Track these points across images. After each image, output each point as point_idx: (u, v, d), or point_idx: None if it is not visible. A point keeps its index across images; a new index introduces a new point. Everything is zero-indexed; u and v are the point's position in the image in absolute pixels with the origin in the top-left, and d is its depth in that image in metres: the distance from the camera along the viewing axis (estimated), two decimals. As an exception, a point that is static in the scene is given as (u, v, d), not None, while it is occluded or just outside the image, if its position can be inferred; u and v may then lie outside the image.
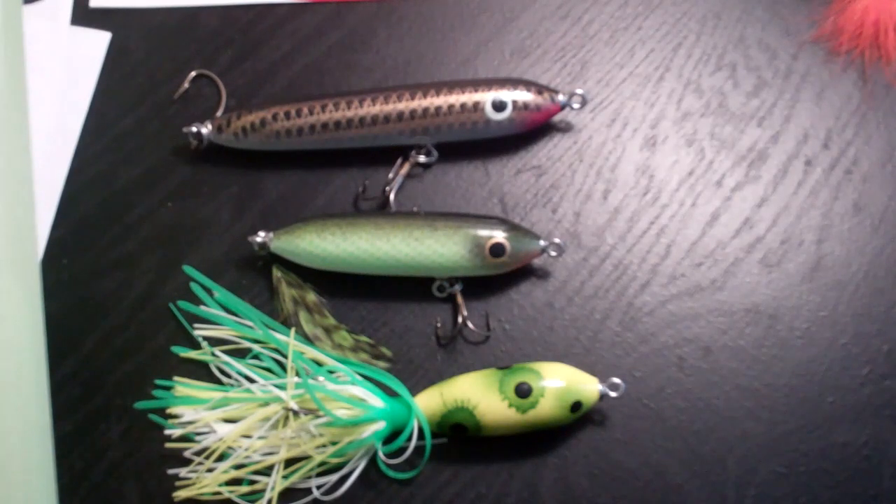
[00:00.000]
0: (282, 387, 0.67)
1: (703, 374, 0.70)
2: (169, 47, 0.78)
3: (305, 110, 0.72)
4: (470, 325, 0.70)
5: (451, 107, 0.71)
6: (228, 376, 0.69)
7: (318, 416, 0.64)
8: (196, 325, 0.70)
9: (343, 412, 0.65)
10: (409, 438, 0.65)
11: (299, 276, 0.71)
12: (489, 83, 0.72)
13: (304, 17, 0.79)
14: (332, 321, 0.70)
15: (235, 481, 0.66)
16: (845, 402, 0.69)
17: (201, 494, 0.66)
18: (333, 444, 0.65)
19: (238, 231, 0.73)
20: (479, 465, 0.68)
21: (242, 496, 0.66)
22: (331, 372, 0.67)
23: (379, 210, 0.73)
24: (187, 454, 0.67)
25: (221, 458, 0.67)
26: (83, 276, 0.72)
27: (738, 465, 0.68)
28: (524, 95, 0.71)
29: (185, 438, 0.68)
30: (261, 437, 0.66)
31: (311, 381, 0.66)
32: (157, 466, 0.68)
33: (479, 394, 0.65)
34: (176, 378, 0.70)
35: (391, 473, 0.67)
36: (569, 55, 0.78)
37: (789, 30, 0.78)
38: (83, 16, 0.78)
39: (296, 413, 0.65)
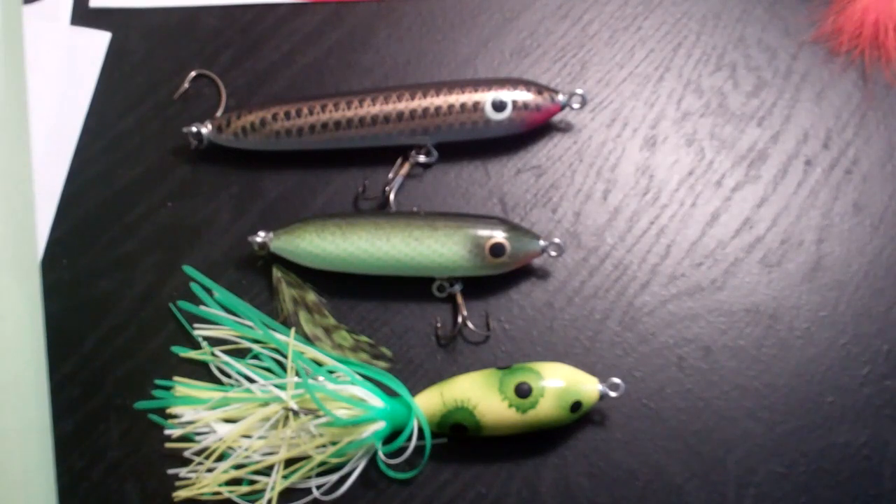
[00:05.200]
0: (282, 387, 0.67)
1: (703, 374, 0.70)
2: (169, 47, 0.78)
3: (305, 110, 0.72)
4: (470, 325, 0.70)
5: (451, 107, 0.71)
6: (228, 376, 0.69)
7: (318, 416, 0.64)
8: (196, 325, 0.70)
9: (343, 412, 0.65)
10: (409, 438, 0.65)
11: (299, 276, 0.71)
12: (489, 83, 0.72)
13: (304, 17, 0.79)
14: (332, 321, 0.70)
15: (235, 481, 0.66)
16: (845, 402, 0.69)
17: (201, 494, 0.66)
18: (333, 444, 0.65)
19: (238, 231, 0.73)
20: (479, 465, 0.68)
21: (242, 496, 0.66)
22: (331, 372, 0.67)
23: (379, 210, 0.73)
24: (187, 454, 0.67)
25: (221, 458, 0.67)
26: (83, 276, 0.72)
27: (738, 465, 0.68)
28: (524, 95, 0.71)
29: (185, 438, 0.68)
30: (261, 437, 0.66)
31: (311, 381, 0.66)
32: (157, 466, 0.68)
33: (479, 394, 0.65)
34: (176, 378, 0.70)
35: (391, 473, 0.67)
36: (569, 55, 0.78)
37: (789, 30, 0.78)
38: (83, 16, 0.78)
39: (296, 413, 0.65)
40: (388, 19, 0.79)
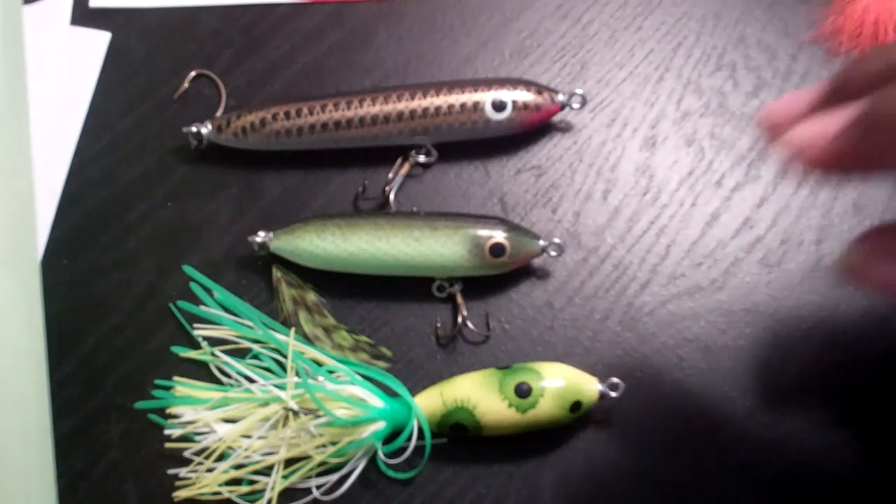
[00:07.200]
0: (282, 387, 0.67)
1: (703, 374, 0.70)
2: (169, 47, 0.78)
3: (305, 110, 0.72)
4: (470, 325, 0.70)
5: (451, 107, 0.71)
6: (228, 376, 0.69)
7: (317, 416, 0.64)
8: (196, 325, 0.70)
9: (343, 412, 0.65)
10: (409, 438, 0.65)
11: (299, 276, 0.71)
12: (489, 83, 0.72)
13: (304, 17, 0.79)
14: (332, 321, 0.70)
15: (235, 481, 0.66)
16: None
17: (201, 494, 0.66)
18: (333, 444, 0.65)
19: (238, 231, 0.73)
20: (479, 465, 0.68)
21: (242, 496, 0.66)
22: (331, 372, 0.67)
23: (379, 210, 0.73)
24: (187, 454, 0.67)
25: (221, 458, 0.67)
26: (83, 276, 0.72)
27: (739, 466, 0.68)
28: (524, 95, 0.71)
29: (184, 438, 0.68)
30: (261, 437, 0.66)
31: (311, 381, 0.66)
32: (157, 466, 0.68)
33: (478, 394, 0.65)
34: (176, 378, 0.70)
35: (391, 473, 0.67)
36: (569, 55, 0.78)
37: (789, 30, 0.78)
38: (83, 16, 0.78)
39: (296, 413, 0.65)
40: (388, 19, 0.79)
